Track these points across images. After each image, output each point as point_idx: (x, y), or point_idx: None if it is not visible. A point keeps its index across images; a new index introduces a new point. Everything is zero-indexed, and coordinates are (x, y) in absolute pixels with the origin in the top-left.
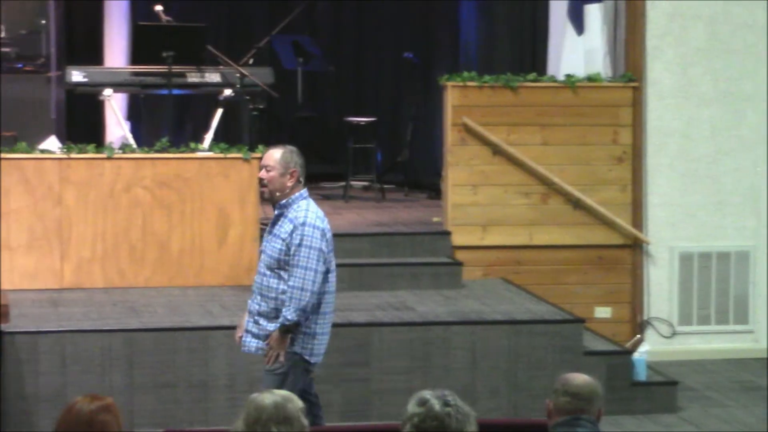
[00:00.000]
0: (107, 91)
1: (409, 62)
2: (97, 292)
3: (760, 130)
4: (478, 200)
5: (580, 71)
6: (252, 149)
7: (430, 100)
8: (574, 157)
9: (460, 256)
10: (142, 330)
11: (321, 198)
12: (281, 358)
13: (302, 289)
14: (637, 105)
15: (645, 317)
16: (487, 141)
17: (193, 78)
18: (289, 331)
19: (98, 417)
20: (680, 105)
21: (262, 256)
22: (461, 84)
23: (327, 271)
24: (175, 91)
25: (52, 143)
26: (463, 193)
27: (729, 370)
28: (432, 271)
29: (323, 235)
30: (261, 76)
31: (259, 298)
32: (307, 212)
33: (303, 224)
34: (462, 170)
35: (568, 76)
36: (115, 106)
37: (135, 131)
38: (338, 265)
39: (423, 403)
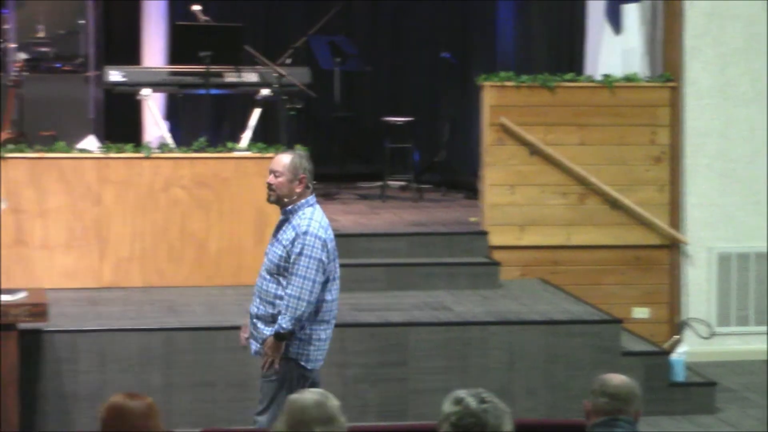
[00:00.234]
0: (145, 91)
1: (447, 62)
2: (136, 292)
3: None
4: (516, 200)
5: (617, 71)
6: (289, 149)
7: (468, 100)
8: (612, 158)
9: (498, 256)
10: (181, 329)
11: (358, 198)
12: (276, 365)
13: (299, 299)
14: (675, 105)
15: (683, 318)
16: (525, 141)
17: (230, 78)
18: (284, 338)
19: (141, 416)
20: (718, 105)
21: (265, 260)
22: (498, 84)
23: (327, 281)
24: (213, 91)
25: (90, 143)
26: (501, 193)
27: None
28: (469, 271)
29: (324, 245)
30: (298, 76)
31: (258, 301)
32: (311, 221)
33: (305, 233)
34: (499, 170)
35: (606, 76)
36: (153, 106)
37: (173, 131)
38: (376, 265)
39: (458, 401)
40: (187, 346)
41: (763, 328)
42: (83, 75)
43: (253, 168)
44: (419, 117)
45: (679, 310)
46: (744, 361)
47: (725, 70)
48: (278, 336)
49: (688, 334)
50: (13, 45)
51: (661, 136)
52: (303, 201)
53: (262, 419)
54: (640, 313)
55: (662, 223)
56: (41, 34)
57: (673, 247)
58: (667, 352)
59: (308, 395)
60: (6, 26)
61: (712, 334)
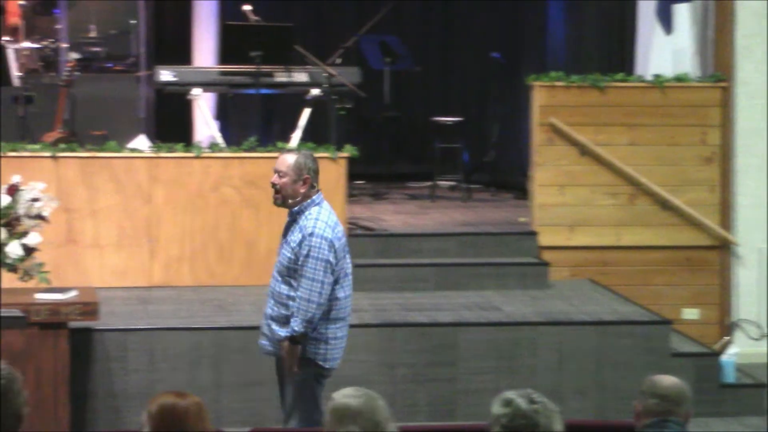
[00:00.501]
0: (196, 91)
1: (496, 62)
2: (186, 291)
3: None
4: (565, 200)
5: (668, 71)
6: (339, 149)
7: (517, 100)
8: (662, 158)
9: (547, 256)
10: (231, 328)
11: (407, 198)
12: (295, 368)
13: (309, 301)
14: (726, 105)
15: (733, 319)
16: (575, 141)
17: (280, 77)
18: (298, 341)
19: (190, 415)
20: None
21: (276, 261)
22: (548, 84)
23: (337, 280)
24: (263, 91)
25: (141, 142)
26: (550, 193)
27: None
28: (518, 272)
29: (331, 245)
30: (348, 76)
31: (272, 302)
32: (317, 221)
33: (311, 235)
34: (549, 170)
35: (656, 76)
36: (203, 106)
37: (223, 130)
38: (425, 265)
39: (508, 403)
40: (237, 345)
41: None
42: (134, 75)
43: None
44: (469, 117)
45: (729, 311)
46: None
47: None
48: (292, 339)
49: (738, 336)
50: (65, 45)
51: (711, 136)
52: (309, 201)
53: (292, 423)
54: (690, 314)
55: (712, 223)
56: (93, 34)
57: (723, 247)
58: (717, 354)
59: (355, 394)
60: (58, 26)
61: (763, 336)
